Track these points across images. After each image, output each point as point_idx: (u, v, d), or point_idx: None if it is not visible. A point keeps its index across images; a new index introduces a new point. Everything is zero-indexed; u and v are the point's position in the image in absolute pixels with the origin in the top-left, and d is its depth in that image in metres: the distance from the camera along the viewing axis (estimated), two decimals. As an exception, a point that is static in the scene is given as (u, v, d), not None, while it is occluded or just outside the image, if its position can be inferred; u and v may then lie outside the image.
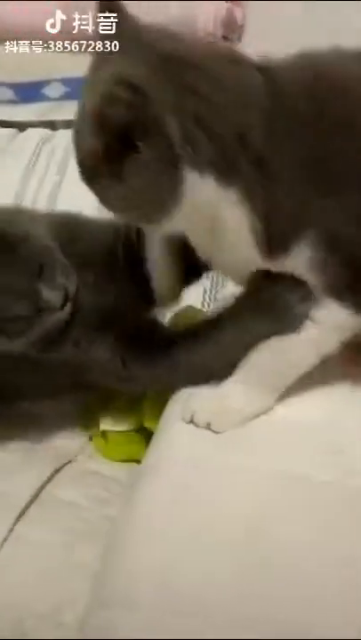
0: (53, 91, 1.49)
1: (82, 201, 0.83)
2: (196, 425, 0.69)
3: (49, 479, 0.78)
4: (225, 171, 0.60)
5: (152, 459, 0.69)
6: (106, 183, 0.62)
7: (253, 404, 0.69)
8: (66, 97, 1.43)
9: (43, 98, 1.50)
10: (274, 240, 0.63)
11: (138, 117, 0.57)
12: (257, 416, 0.69)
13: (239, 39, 1.34)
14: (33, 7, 1.32)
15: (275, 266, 0.65)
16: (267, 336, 0.68)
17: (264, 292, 0.69)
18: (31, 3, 1.35)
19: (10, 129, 1.45)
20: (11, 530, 0.71)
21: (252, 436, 0.67)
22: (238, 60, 0.64)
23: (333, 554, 0.56)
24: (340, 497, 0.60)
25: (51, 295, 0.72)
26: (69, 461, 0.84)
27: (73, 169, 0.67)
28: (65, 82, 1.45)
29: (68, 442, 0.87)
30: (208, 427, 0.69)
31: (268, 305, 0.68)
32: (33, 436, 0.87)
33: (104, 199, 0.65)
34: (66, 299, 0.73)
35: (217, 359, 0.72)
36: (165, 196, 0.61)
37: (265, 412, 0.69)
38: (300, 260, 0.63)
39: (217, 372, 0.71)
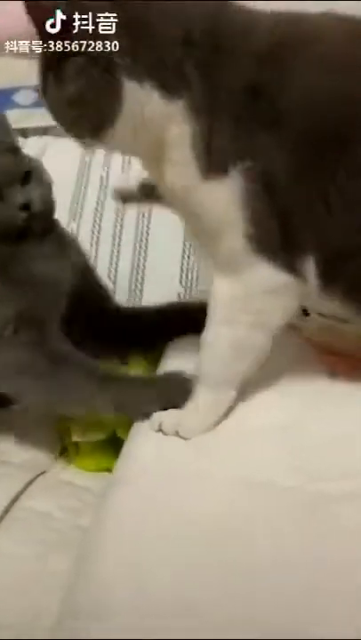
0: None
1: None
2: (165, 433, 0.70)
3: (22, 491, 0.79)
4: (168, 81, 0.60)
5: (122, 468, 0.69)
6: (51, 92, 0.64)
7: (217, 405, 0.70)
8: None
9: (13, 105, 1.50)
10: (214, 157, 0.61)
11: (72, 16, 0.59)
12: (224, 416, 0.70)
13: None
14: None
15: (215, 192, 0.63)
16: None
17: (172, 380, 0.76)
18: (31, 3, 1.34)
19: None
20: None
21: (218, 444, 0.68)
22: None
23: (299, 559, 0.56)
24: (305, 502, 0.60)
25: (17, 196, 0.83)
26: (43, 472, 0.84)
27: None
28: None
29: (41, 453, 0.88)
30: (176, 434, 0.70)
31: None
32: (6, 447, 0.88)
33: (53, 111, 0.66)
34: (25, 207, 0.83)
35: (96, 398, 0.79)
36: (104, 104, 0.61)
37: (229, 405, 0.70)
38: (235, 189, 0.61)
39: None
